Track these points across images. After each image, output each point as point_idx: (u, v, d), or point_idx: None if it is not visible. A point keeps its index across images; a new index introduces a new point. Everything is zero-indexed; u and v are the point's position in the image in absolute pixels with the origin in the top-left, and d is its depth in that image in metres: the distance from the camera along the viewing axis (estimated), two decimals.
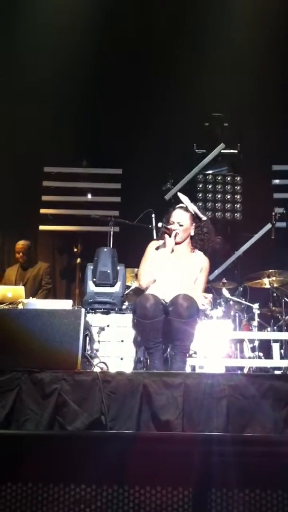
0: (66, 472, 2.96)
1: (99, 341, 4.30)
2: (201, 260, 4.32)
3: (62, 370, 3.43)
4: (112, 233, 5.76)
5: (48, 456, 2.98)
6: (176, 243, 4.27)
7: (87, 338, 3.76)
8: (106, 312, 4.65)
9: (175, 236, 4.24)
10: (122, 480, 2.93)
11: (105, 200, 7.86)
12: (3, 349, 3.60)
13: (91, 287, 4.81)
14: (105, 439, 3.09)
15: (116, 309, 4.70)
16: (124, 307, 4.80)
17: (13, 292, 5.20)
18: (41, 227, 7.73)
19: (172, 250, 4.26)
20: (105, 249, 4.96)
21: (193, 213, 4.34)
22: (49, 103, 7.34)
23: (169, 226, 4.25)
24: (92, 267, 4.86)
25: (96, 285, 4.80)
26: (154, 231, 5.56)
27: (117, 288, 4.82)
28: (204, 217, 4.38)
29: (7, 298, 5.05)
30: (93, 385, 3.31)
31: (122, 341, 4.46)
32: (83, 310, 3.69)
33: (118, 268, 4.88)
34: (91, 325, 4.08)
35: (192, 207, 4.37)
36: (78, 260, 6.77)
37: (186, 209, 4.36)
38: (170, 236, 4.24)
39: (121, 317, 4.62)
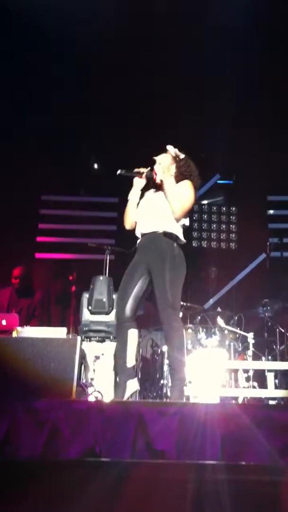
0: (59, 500, 2.96)
1: (94, 370, 4.30)
2: (180, 183, 4.22)
3: (57, 398, 3.43)
4: (108, 261, 5.79)
5: (41, 484, 2.98)
6: (159, 185, 4.20)
7: (82, 367, 3.76)
8: (101, 340, 4.66)
9: (146, 175, 4.21)
10: (116, 509, 2.92)
11: (101, 228, 7.93)
12: None
13: (86, 315, 4.83)
14: (98, 467, 3.09)
15: (111, 337, 4.71)
16: None
17: (7, 319, 5.20)
18: (38, 255, 7.78)
19: (145, 187, 4.26)
20: (101, 278, 4.99)
21: (172, 154, 4.28)
22: (47, 133, 7.43)
23: (136, 170, 4.24)
24: (87, 295, 4.89)
25: (92, 313, 4.83)
26: None
27: (112, 316, 4.84)
28: (182, 155, 4.29)
29: (1, 325, 5.05)
30: (88, 413, 3.30)
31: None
32: (79, 338, 3.71)
33: (114, 296, 4.91)
34: (86, 354, 4.09)
35: (171, 149, 4.30)
36: (73, 288, 6.79)
37: (165, 151, 4.31)
38: (140, 178, 4.24)
39: (114, 345, 4.64)
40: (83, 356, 3.82)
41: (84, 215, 8.07)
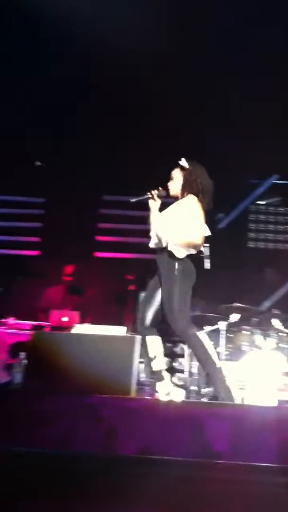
0: (115, 494, 3.04)
1: (152, 369, 4.36)
2: (184, 201, 4.40)
3: (115, 396, 3.51)
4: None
5: (97, 478, 3.07)
6: (173, 197, 4.48)
7: (141, 365, 3.83)
8: None
9: (158, 195, 4.45)
10: (171, 506, 2.99)
11: None
12: (57, 373, 3.71)
13: None
14: (154, 465, 3.16)
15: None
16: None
17: (68, 316, 5.35)
18: (96, 254, 7.91)
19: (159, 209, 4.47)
20: None
21: (180, 166, 4.48)
22: (110, 135, 7.54)
23: (148, 194, 4.47)
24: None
25: None
26: (207, 261, 5.61)
27: None
28: (187, 165, 4.45)
29: (62, 322, 5.20)
30: (144, 412, 3.38)
31: (174, 369, 4.52)
32: (137, 337, 3.78)
33: None
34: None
35: (183, 162, 4.48)
36: (132, 287, 6.86)
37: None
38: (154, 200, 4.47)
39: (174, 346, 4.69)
40: (141, 355, 3.89)
41: (143, 215, 8.14)
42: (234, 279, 7.17)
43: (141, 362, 3.78)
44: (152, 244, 4.49)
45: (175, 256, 4.25)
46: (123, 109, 7.28)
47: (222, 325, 4.94)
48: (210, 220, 7.40)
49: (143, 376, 3.92)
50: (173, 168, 4.52)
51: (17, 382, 3.76)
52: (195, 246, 4.29)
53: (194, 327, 4.17)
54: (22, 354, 3.82)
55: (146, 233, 7.80)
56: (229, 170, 7.77)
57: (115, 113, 7.31)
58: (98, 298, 7.08)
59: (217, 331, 4.92)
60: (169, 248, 4.28)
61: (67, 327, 4.87)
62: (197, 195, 4.37)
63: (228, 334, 5.00)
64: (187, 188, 4.41)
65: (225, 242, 7.05)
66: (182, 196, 4.43)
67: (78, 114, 7.34)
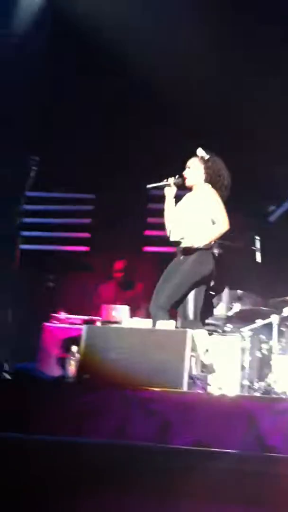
0: (167, 486, 3.04)
1: (203, 363, 4.35)
2: (201, 190, 4.50)
3: (166, 389, 3.51)
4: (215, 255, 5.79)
5: (150, 471, 3.08)
6: (189, 188, 4.57)
7: (193, 359, 3.82)
8: (209, 334, 4.70)
9: (175, 183, 4.55)
10: (223, 498, 2.97)
11: None
12: (108, 366, 3.74)
13: None
14: (208, 457, 3.14)
15: (219, 331, 4.74)
16: (228, 329, 4.83)
17: (117, 311, 5.38)
18: (145, 248, 7.92)
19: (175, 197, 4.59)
20: None
21: (199, 156, 4.57)
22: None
23: (165, 181, 4.57)
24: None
25: None
26: (258, 254, 5.55)
27: (220, 310, 4.86)
28: (206, 156, 4.55)
29: (112, 317, 5.24)
30: (197, 406, 3.36)
31: (224, 363, 4.50)
32: (189, 331, 3.77)
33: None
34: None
35: (200, 151, 4.58)
36: None
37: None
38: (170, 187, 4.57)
39: (223, 339, 4.67)
40: (193, 349, 3.88)
41: None
42: (285, 272, 7.05)
43: (193, 356, 3.76)
44: (172, 238, 4.57)
45: (194, 247, 4.34)
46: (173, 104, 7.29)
47: (274, 319, 4.87)
48: (260, 212, 7.40)
49: (195, 370, 3.90)
50: (189, 157, 4.59)
51: (69, 376, 3.80)
52: (223, 232, 4.41)
53: (167, 316, 4.25)
54: (74, 348, 3.87)
55: None
56: (280, 161, 7.64)
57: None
58: (148, 293, 7.06)
59: (269, 325, 4.85)
60: (189, 239, 4.37)
61: (118, 321, 4.90)
62: (217, 187, 4.46)
63: (280, 328, 4.92)
64: (208, 179, 4.51)
65: (276, 235, 6.94)
66: (200, 185, 4.50)
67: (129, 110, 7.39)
